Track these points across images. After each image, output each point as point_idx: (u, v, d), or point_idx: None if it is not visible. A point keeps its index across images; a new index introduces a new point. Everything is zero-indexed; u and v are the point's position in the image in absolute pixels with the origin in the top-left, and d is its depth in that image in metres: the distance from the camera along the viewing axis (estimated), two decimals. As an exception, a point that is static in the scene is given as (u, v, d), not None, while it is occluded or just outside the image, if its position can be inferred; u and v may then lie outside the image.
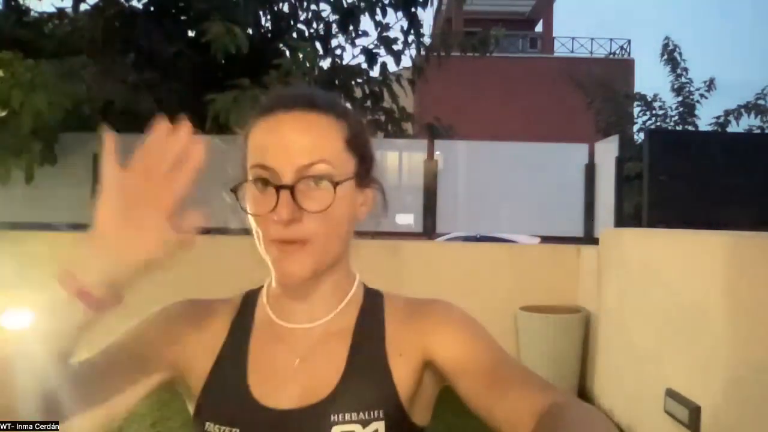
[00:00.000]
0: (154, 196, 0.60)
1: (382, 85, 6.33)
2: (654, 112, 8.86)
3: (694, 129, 8.50)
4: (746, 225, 3.75)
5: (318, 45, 6.21)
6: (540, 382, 0.67)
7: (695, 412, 2.52)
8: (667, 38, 8.86)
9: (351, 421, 0.71)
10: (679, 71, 8.77)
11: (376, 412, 0.71)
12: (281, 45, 6.05)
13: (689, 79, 8.77)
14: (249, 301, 0.84)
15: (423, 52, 6.56)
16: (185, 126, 0.61)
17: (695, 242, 2.79)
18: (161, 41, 5.39)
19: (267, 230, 0.70)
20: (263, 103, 0.76)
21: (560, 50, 17.82)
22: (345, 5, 6.10)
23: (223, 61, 4.84)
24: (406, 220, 4.96)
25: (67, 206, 5.07)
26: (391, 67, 6.50)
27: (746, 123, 8.32)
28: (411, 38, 6.34)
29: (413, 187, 4.97)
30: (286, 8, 6.45)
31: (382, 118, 6.44)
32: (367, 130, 0.81)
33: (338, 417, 0.71)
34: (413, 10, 6.24)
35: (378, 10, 6.14)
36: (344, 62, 6.42)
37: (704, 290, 2.58)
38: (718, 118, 8.33)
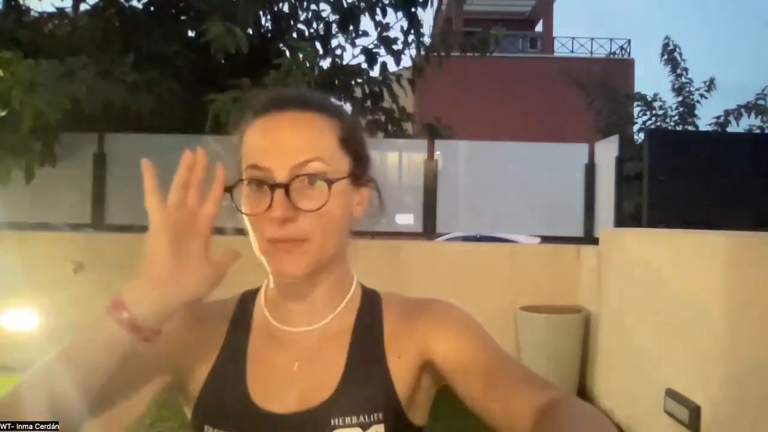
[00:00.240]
0: (194, 228, 0.66)
1: (382, 85, 6.33)
2: (654, 112, 8.87)
3: (694, 129, 8.50)
4: (746, 225, 3.75)
5: (318, 45, 6.20)
6: (539, 381, 0.67)
7: (695, 412, 2.52)
8: (667, 38, 8.87)
9: (351, 425, 0.70)
10: (679, 71, 8.78)
11: (376, 415, 0.71)
12: (281, 45, 6.05)
13: (689, 79, 8.78)
14: (246, 303, 0.84)
15: (423, 52, 6.55)
16: (201, 154, 0.66)
17: (695, 242, 2.79)
18: (161, 41, 5.39)
19: (262, 230, 0.70)
20: (256, 105, 0.76)
21: (560, 50, 17.83)
22: (345, 5, 6.10)
23: (223, 61, 4.84)
24: (406, 220, 4.96)
25: (67, 206, 5.07)
26: (391, 67, 6.51)
27: (746, 123, 8.34)
28: (411, 38, 6.33)
29: (413, 187, 4.97)
30: (286, 8, 6.45)
31: (382, 118, 6.44)
32: (361, 129, 0.81)
33: (338, 420, 0.71)
34: (413, 10, 6.24)
35: (378, 10, 6.14)
36: (344, 62, 6.42)
37: (704, 290, 2.58)
38: (718, 118, 8.34)
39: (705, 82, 8.73)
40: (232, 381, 0.76)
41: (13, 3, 5.67)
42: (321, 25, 6.44)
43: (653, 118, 8.87)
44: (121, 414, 0.71)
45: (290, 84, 4.53)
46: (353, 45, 6.40)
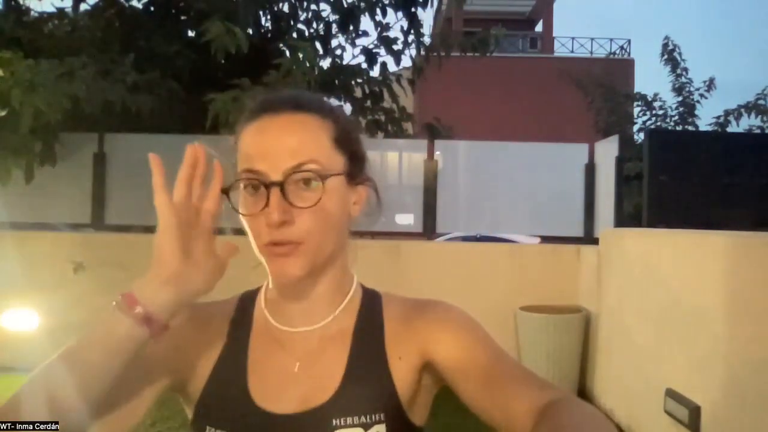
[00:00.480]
0: (198, 224, 0.67)
1: (382, 85, 6.32)
2: (654, 112, 8.86)
3: (694, 129, 8.50)
4: (746, 225, 3.75)
5: (318, 45, 6.20)
6: (539, 381, 0.67)
7: (695, 412, 2.52)
8: (667, 38, 8.86)
9: (353, 425, 0.71)
10: (679, 71, 8.78)
11: (377, 415, 0.71)
12: (281, 45, 6.05)
13: (689, 79, 8.78)
14: (246, 303, 0.84)
15: (423, 52, 6.55)
16: (201, 148, 0.67)
17: (695, 242, 2.79)
18: (161, 41, 5.39)
19: (260, 233, 0.70)
20: (250, 109, 0.76)
21: (560, 50, 17.84)
22: (345, 5, 6.09)
23: (223, 61, 4.83)
24: (406, 220, 4.96)
25: (67, 206, 5.07)
26: (391, 67, 6.51)
27: (746, 123, 8.34)
28: (411, 38, 6.33)
29: (413, 187, 4.97)
30: (286, 8, 6.44)
31: (382, 118, 6.43)
32: (357, 128, 0.82)
33: (340, 421, 0.71)
34: (413, 10, 6.24)
35: (378, 10, 6.13)
36: (344, 62, 6.41)
37: (704, 290, 2.58)
38: (718, 118, 8.33)
39: (705, 82, 8.74)
40: (233, 382, 0.76)
41: (13, 3, 5.67)
42: (321, 25, 6.44)
43: (653, 118, 8.87)
44: (123, 416, 0.70)
45: (290, 84, 4.53)
46: (353, 45, 6.40)
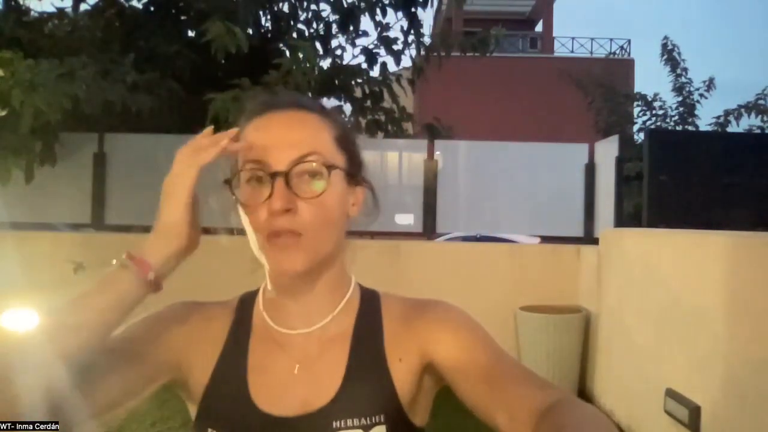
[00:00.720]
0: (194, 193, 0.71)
1: (382, 85, 6.32)
2: (654, 112, 8.86)
3: (694, 129, 8.50)
4: (746, 225, 3.75)
5: (318, 45, 6.19)
6: (539, 381, 0.67)
7: (695, 411, 2.52)
8: (666, 38, 8.86)
9: (353, 427, 0.71)
10: (679, 71, 8.78)
11: (377, 417, 0.72)
12: (281, 45, 6.05)
13: (689, 79, 8.78)
14: (246, 304, 0.84)
15: (423, 52, 6.54)
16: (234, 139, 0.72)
17: (695, 242, 2.79)
18: (161, 41, 5.39)
19: (260, 222, 0.71)
20: (253, 106, 0.77)
21: (560, 50, 17.84)
22: (345, 5, 6.09)
23: (223, 61, 4.83)
24: (406, 220, 4.96)
25: (67, 206, 5.07)
26: (391, 67, 6.50)
27: (746, 123, 8.34)
28: (411, 38, 6.32)
29: (413, 187, 4.97)
30: (286, 8, 6.43)
31: (382, 118, 6.43)
32: (354, 131, 0.83)
33: (340, 423, 0.71)
34: (413, 10, 6.23)
35: (378, 10, 6.12)
36: (344, 62, 6.41)
37: (704, 290, 2.58)
38: (718, 118, 8.34)
39: (705, 82, 8.73)
40: (233, 384, 0.76)
41: (13, 3, 5.66)
42: (321, 25, 6.43)
43: (653, 118, 8.87)
44: (112, 407, 0.70)
45: (290, 84, 4.54)
46: (353, 45, 6.39)
